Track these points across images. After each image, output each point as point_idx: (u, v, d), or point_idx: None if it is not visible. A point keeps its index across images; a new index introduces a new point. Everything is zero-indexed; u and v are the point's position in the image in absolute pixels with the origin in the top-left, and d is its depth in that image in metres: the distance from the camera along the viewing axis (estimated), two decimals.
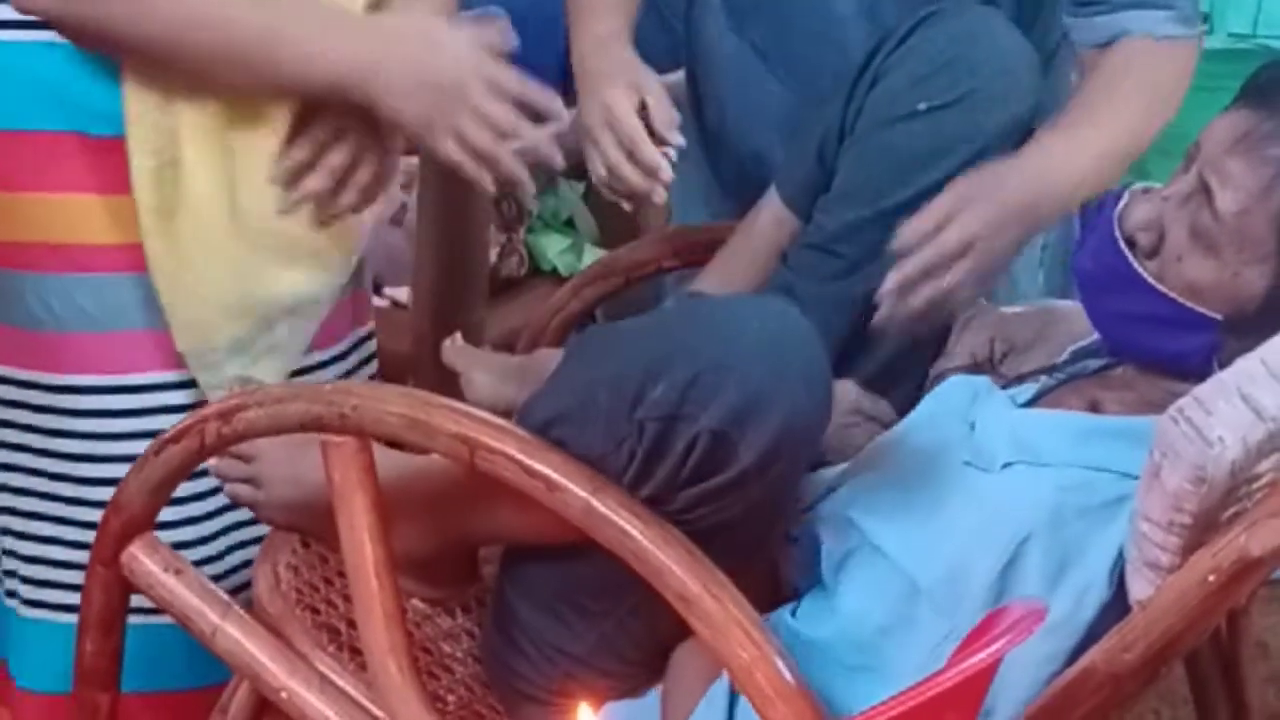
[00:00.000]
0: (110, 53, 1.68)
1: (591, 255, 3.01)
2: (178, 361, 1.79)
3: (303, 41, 1.65)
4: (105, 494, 1.66)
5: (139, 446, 1.63)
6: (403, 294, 2.80)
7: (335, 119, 1.70)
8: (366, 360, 2.02)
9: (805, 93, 2.04)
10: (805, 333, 1.44)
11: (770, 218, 1.92)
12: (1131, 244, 1.59)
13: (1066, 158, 1.76)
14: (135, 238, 1.73)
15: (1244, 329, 1.52)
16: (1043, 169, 1.74)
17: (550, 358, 1.89)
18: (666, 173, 1.87)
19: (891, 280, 1.68)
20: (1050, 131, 1.80)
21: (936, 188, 1.72)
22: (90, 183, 1.73)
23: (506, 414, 1.53)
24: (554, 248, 3.07)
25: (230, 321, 1.77)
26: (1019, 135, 1.79)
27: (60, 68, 1.70)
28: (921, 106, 1.75)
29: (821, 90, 1.95)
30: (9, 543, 1.91)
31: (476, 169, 1.69)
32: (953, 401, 1.68)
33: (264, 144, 1.71)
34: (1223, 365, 1.45)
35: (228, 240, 1.74)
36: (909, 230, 1.68)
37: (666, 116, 1.89)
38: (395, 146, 1.77)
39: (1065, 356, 1.73)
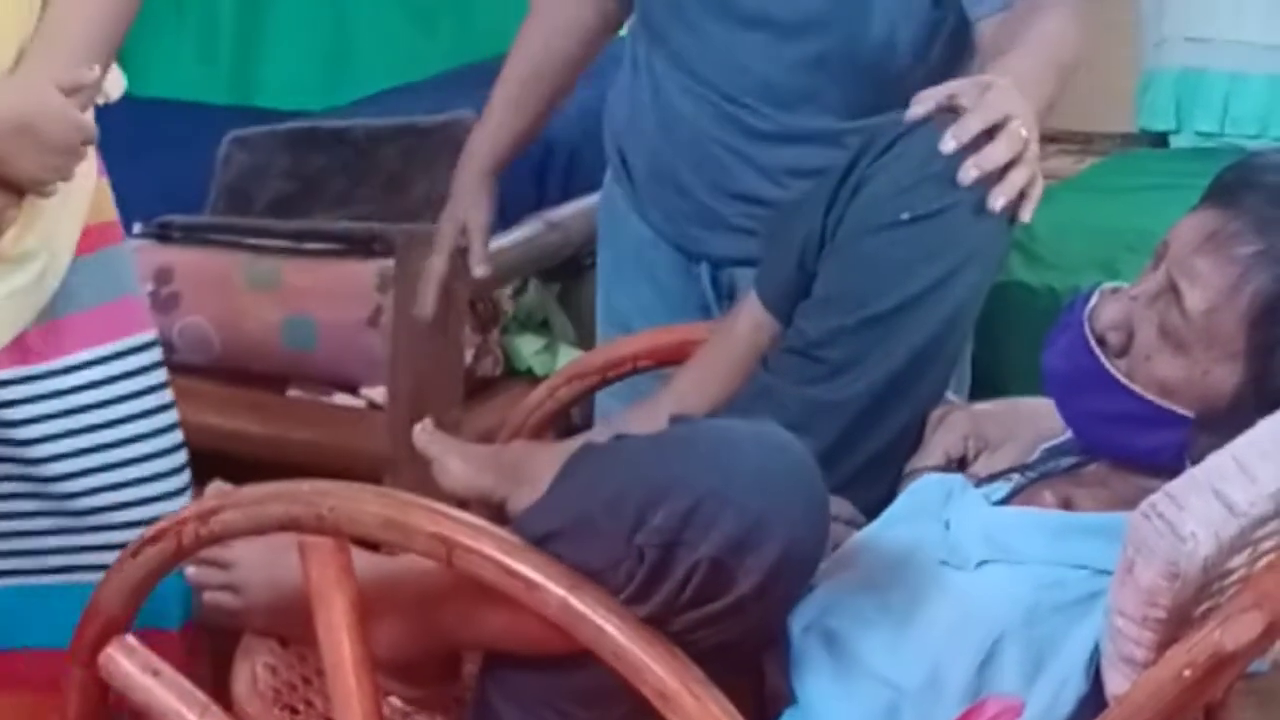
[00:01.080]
0: None
1: (567, 355, 3.03)
2: None
3: None
4: None
5: None
6: (379, 394, 2.81)
7: None
8: (144, 370, 2.06)
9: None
10: (804, 462, 1.47)
11: (749, 321, 1.93)
12: (1102, 343, 1.61)
13: (1024, 77, 1.84)
14: None
15: (1215, 425, 1.52)
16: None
17: (526, 450, 1.93)
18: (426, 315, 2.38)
19: (971, 173, 1.71)
20: (1010, 55, 1.90)
21: (919, 296, 1.76)
22: None
23: (481, 503, 1.54)
24: (529, 348, 3.08)
25: None
26: (1003, 243, 1.82)
27: None
28: (905, 216, 1.76)
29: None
30: None
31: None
32: (927, 500, 1.69)
33: None
34: (1195, 461, 1.46)
35: None
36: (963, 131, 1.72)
37: (478, 255, 2.38)
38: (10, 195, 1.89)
39: (1038, 454, 1.74)
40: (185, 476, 2.09)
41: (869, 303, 1.78)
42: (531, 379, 2.98)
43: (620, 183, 2.38)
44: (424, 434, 1.87)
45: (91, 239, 2.03)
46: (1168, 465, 1.53)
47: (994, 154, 1.72)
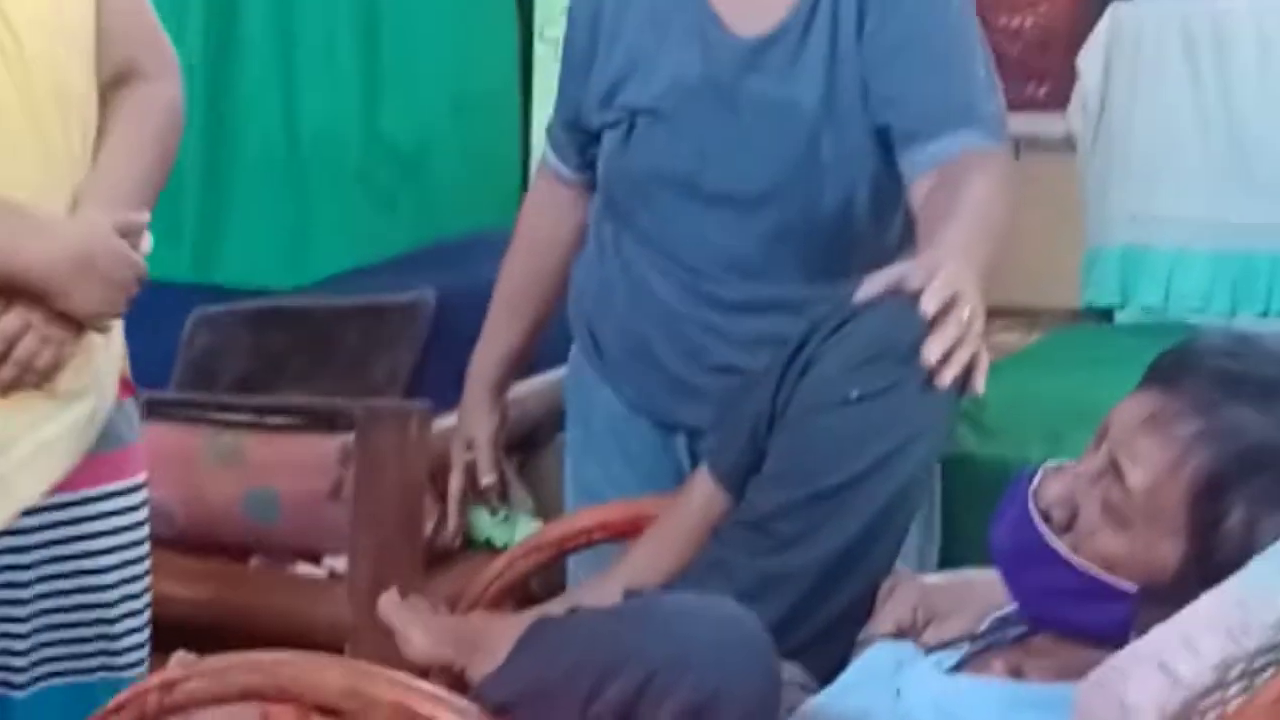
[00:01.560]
0: None
1: (525, 527, 3.03)
2: None
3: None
4: None
5: None
6: (341, 564, 2.83)
7: (21, 313, 1.96)
8: (123, 511, 2.17)
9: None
10: (757, 635, 1.50)
11: (702, 494, 1.97)
12: (1046, 518, 1.65)
13: (966, 250, 1.89)
14: None
15: (1159, 599, 1.56)
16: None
17: (486, 621, 1.96)
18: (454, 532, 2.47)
19: (934, 352, 1.76)
20: (948, 230, 1.96)
21: (868, 472, 1.80)
22: None
23: (441, 672, 1.56)
24: (488, 520, 3.09)
25: None
26: (949, 418, 1.87)
27: None
28: (853, 394, 1.80)
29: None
30: None
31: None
32: (878, 669, 1.72)
33: None
34: (1140, 634, 1.50)
35: None
36: (929, 303, 1.76)
37: (484, 467, 2.46)
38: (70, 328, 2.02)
39: (987, 625, 1.77)
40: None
41: (819, 478, 1.82)
42: (490, 550, 2.99)
43: (589, 358, 2.42)
44: (388, 604, 1.90)
45: (122, 386, 2.17)
46: (1113, 638, 1.56)
47: (948, 333, 1.77)
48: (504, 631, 1.80)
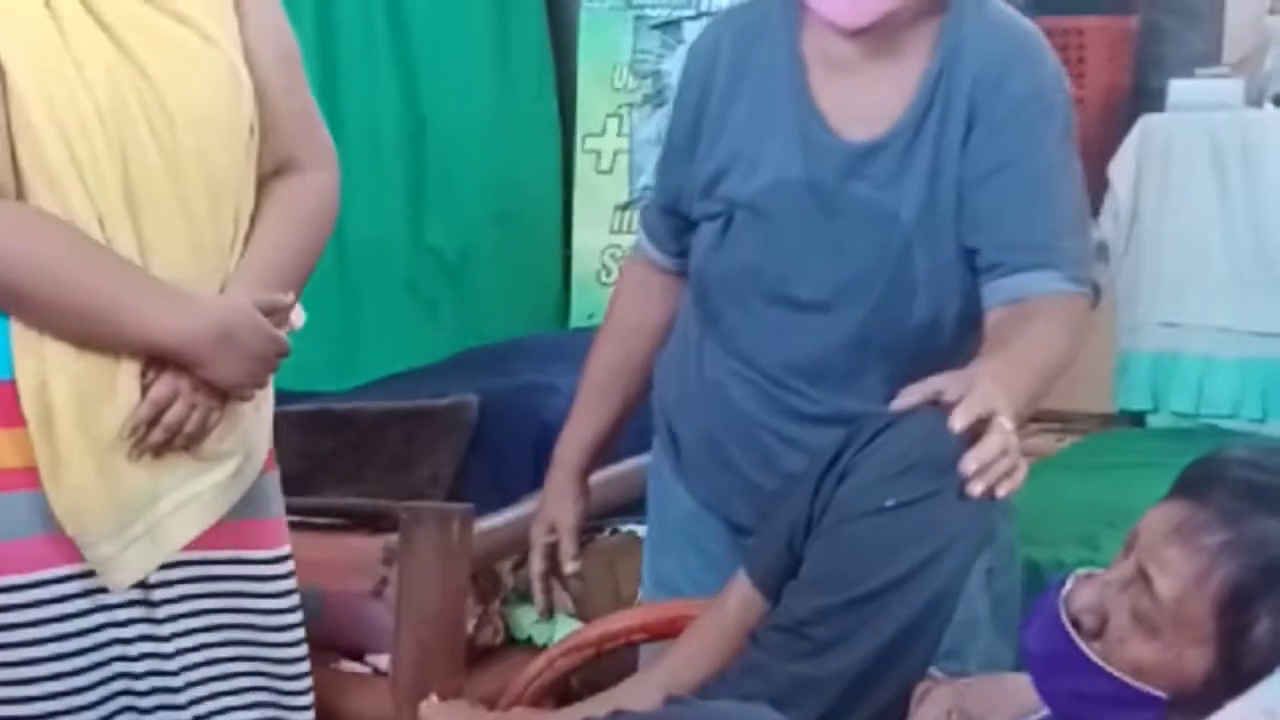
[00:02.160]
0: None
1: (566, 626, 3.04)
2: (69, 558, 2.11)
3: (141, 312, 2.07)
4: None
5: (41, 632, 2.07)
6: (384, 662, 2.86)
7: (170, 381, 2.10)
8: (273, 578, 2.29)
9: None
10: None
11: (739, 598, 1.99)
12: (1077, 625, 1.68)
13: (1004, 377, 1.91)
14: (33, 461, 2.08)
15: (1188, 706, 1.60)
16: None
17: (526, 717, 2.00)
18: (542, 611, 2.45)
19: (972, 465, 1.78)
20: (990, 357, 1.98)
21: (903, 579, 1.82)
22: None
23: None
24: (529, 618, 3.12)
25: (99, 510, 2.09)
26: (984, 526, 1.90)
27: None
28: (889, 503, 1.83)
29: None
30: None
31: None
32: None
33: (111, 378, 2.09)
34: None
35: (91, 447, 2.09)
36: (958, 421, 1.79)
37: (567, 553, 2.42)
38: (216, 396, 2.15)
39: None
40: None
41: (855, 584, 1.84)
42: (531, 648, 3.02)
43: (667, 454, 2.42)
44: (429, 708, 1.93)
45: (270, 459, 2.28)
46: None
47: (989, 446, 1.80)
48: None
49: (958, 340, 2.19)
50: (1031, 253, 2.11)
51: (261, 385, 2.18)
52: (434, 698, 1.97)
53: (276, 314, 2.17)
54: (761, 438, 2.26)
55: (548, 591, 2.45)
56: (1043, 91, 2.17)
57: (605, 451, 2.52)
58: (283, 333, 2.19)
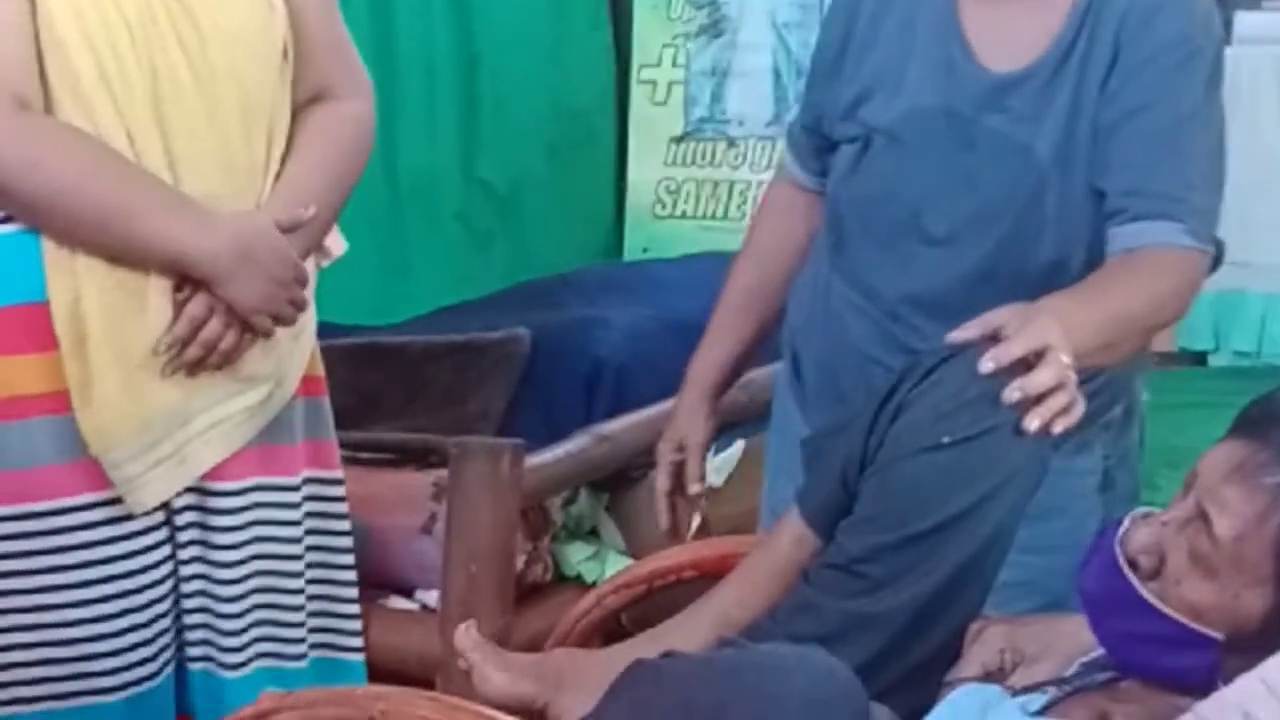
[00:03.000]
0: (3, 205, 2.07)
1: (615, 563, 3.07)
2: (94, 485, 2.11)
3: (159, 225, 2.07)
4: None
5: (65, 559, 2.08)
6: (432, 598, 2.86)
7: (206, 299, 2.10)
8: (320, 500, 2.31)
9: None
10: (849, 688, 1.52)
11: (791, 535, 1.97)
12: (1134, 566, 1.65)
13: (1070, 315, 1.88)
14: (62, 385, 2.08)
15: (1245, 647, 1.57)
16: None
17: (570, 658, 1.95)
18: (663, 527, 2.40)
19: (1018, 394, 1.76)
20: (1062, 294, 1.95)
21: (959, 516, 1.80)
22: (24, 344, 2.10)
23: (520, 711, 1.56)
24: (578, 555, 3.12)
25: (127, 429, 2.09)
26: (1041, 463, 1.86)
27: (4, 258, 2.09)
28: (945, 439, 1.81)
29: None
30: None
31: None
32: (965, 710, 1.73)
33: (142, 295, 2.10)
34: (1225, 681, 1.50)
35: (122, 365, 2.09)
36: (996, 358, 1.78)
37: (694, 473, 2.40)
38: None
39: (1074, 669, 1.77)
40: None
41: (910, 522, 1.82)
42: (580, 585, 3.02)
43: (791, 382, 2.41)
44: (466, 637, 1.90)
45: (309, 386, 2.28)
46: (1199, 685, 1.57)
47: (1039, 379, 1.77)
48: (590, 669, 1.83)
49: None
50: (1155, 201, 2.06)
51: (282, 314, 2.17)
52: (471, 625, 1.93)
53: (300, 231, 2.16)
54: (874, 373, 2.23)
55: (672, 510, 2.43)
56: (1192, 34, 2.12)
57: (739, 372, 2.49)
58: (308, 262, 2.19)
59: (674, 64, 4.42)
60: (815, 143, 2.36)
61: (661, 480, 2.43)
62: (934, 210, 2.19)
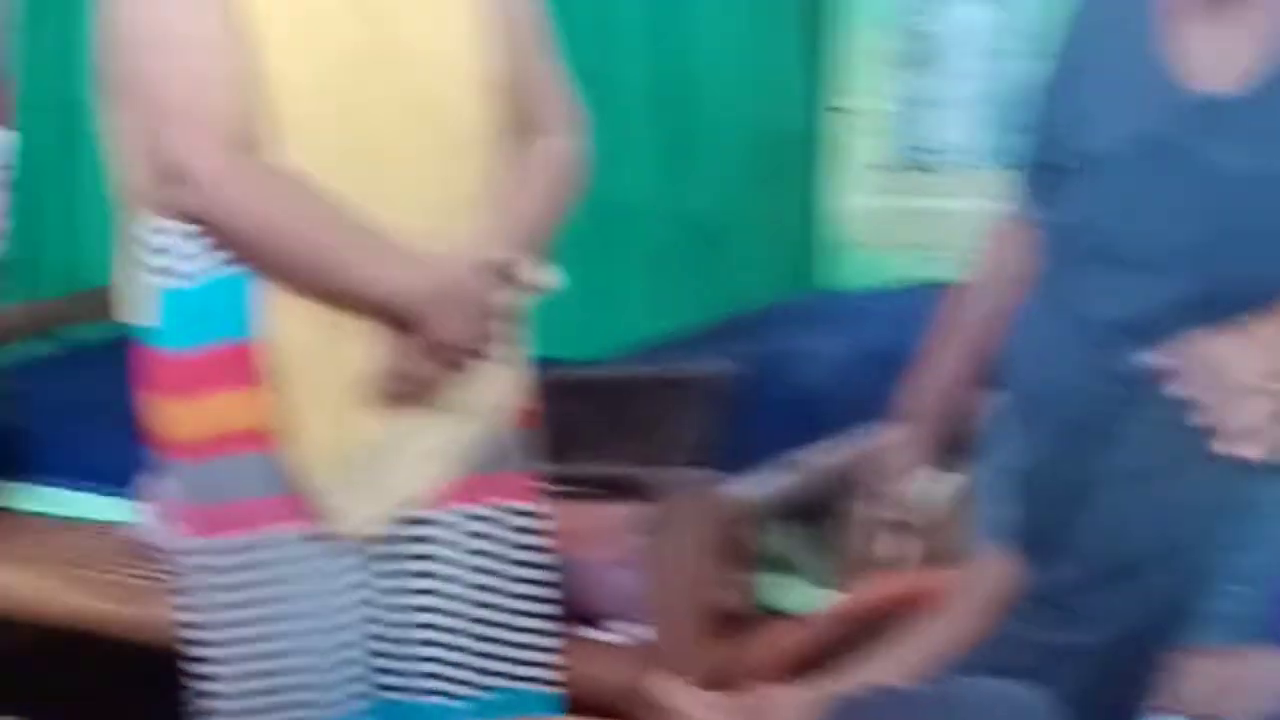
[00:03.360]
0: (219, 245, 2.13)
1: (818, 596, 3.00)
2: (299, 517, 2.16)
3: (366, 269, 2.12)
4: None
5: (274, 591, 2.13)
6: (632, 631, 2.85)
7: (411, 336, 2.14)
8: (524, 531, 2.34)
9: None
10: None
11: (996, 569, 1.96)
12: None
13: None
14: (268, 421, 2.14)
15: None
16: None
17: (769, 693, 1.94)
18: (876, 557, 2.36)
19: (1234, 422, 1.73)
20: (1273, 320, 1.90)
21: (1166, 552, 1.78)
22: (233, 381, 2.15)
23: None
24: (781, 588, 3.08)
25: (331, 462, 2.15)
26: (1248, 497, 1.82)
27: (211, 297, 2.15)
28: (1152, 472, 1.80)
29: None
30: None
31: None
32: None
33: (347, 331, 2.14)
34: None
35: (326, 400, 2.14)
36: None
37: (904, 503, 2.36)
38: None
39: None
40: None
41: (1115, 554, 1.80)
42: (782, 618, 2.96)
43: (1003, 409, 2.36)
44: (659, 683, 1.93)
45: (519, 418, 2.33)
46: None
47: (1248, 410, 1.74)
48: (793, 705, 1.84)
49: None
50: None
51: (480, 349, 2.19)
52: (664, 677, 1.94)
53: (504, 275, 2.19)
54: (1082, 401, 2.15)
55: (881, 541, 2.40)
56: None
57: (955, 402, 2.45)
58: (505, 296, 2.21)
59: (880, 92, 4.40)
60: (1037, 175, 2.33)
61: (871, 510, 2.41)
62: (1142, 236, 2.14)
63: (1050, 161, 2.27)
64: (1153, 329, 2.09)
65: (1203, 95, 2.09)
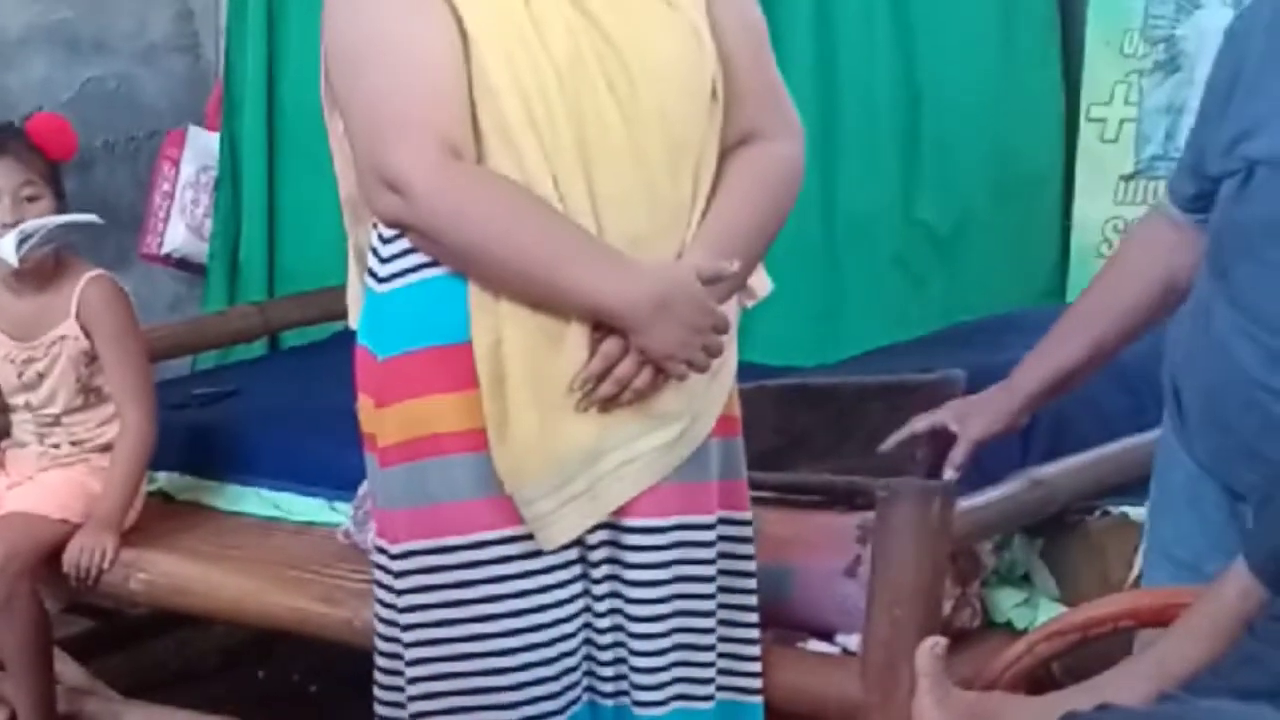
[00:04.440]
0: (435, 252, 2.16)
1: (1048, 610, 2.99)
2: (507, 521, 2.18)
3: (580, 276, 2.12)
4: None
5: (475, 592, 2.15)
6: (854, 642, 2.81)
7: (622, 340, 2.14)
8: (730, 540, 2.36)
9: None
10: None
11: (1237, 587, 1.89)
12: None
13: None
14: (479, 424, 2.15)
15: None
16: None
17: (1004, 702, 1.93)
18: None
19: None
20: None
21: None
22: (445, 384, 2.17)
23: None
24: (1009, 601, 3.05)
25: (541, 466, 2.15)
26: None
27: (426, 301, 2.18)
28: None
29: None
30: None
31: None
32: None
33: (561, 336, 2.15)
34: None
35: (538, 404, 2.15)
36: None
37: (954, 460, 2.57)
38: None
39: None
40: None
41: None
42: (1010, 632, 2.95)
43: (1172, 416, 2.37)
44: (926, 655, 1.87)
45: (725, 425, 2.32)
46: None
47: None
48: (1024, 717, 1.82)
49: None
50: None
51: (696, 361, 2.18)
52: (940, 645, 1.88)
53: (721, 283, 2.18)
54: (1262, 400, 2.17)
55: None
56: None
57: (1058, 388, 2.50)
58: (727, 306, 2.20)
59: (1126, 101, 4.33)
60: (1192, 181, 2.33)
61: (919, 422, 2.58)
62: None
63: (1207, 169, 2.26)
64: None
65: None
